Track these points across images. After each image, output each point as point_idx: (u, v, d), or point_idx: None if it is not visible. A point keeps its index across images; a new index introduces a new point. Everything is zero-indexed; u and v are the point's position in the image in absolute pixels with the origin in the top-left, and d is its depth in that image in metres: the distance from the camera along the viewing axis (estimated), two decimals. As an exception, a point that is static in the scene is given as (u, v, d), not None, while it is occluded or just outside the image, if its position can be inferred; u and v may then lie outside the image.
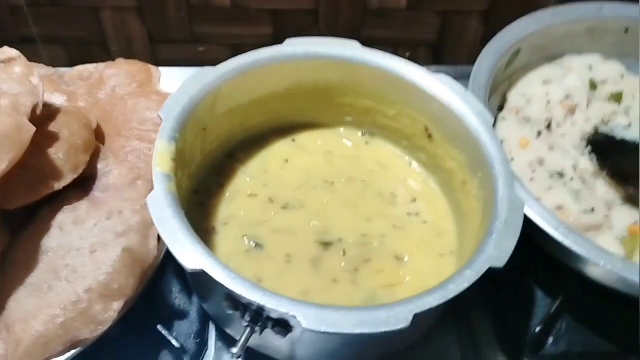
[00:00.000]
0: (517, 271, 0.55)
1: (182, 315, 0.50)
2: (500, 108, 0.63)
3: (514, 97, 0.62)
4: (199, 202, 0.54)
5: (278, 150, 0.59)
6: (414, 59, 0.85)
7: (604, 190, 0.56)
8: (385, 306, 0.39)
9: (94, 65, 0.59)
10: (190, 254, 0.39)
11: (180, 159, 0.48)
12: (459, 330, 0.53)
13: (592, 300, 0.51)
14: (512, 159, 0.58)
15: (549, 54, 0.65)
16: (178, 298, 0.52)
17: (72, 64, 0.84)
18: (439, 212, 0.56)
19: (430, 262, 0.53)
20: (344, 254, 0.52)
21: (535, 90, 0.62)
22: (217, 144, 0.56)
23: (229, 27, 0.81)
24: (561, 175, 0.56)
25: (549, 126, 0.60)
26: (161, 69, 0.68)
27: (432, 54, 0.86)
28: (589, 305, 0.53)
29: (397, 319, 0.38)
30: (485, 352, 0.52)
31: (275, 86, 0.56)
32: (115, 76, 0.55)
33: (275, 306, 0.37)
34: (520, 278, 0.56)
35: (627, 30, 0.64)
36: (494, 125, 0.60)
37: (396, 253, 0.53)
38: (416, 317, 0.38)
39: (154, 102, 0.53)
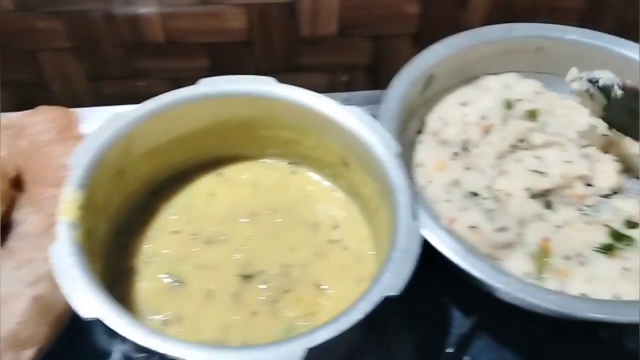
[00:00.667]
0: (436, 292, 0.57)
1: (104, 356, 0.51)
2: (420, 131, 0.64)
3: (432, 121, 0.64)
4: (121, 243, 0.55)
5: (203, 185, 0.61)
6: (351, 82, 0.88)
7: (517, 208, 0.57)
8: (278, 343, 0.40)
9: (19, 113, 0.60)
10: (87, 303, 0.40)
11: (91, 205, 0.49)
12: (380, 356, 0.54)
13: (507, 318, 0.52)
14: (430, 182, 0.60)
15: (467, 76, 0.67)
16: (100, 340, 0.53)
17: (17, 106, 0.86)
18: (360, 237, 0.58)
19: (350, 288, 0.54)
20: (265, 285, 0.53)
21: (452, 113, 0.64)
22: (139, 184, 0.57)
23: (166, 61, 0.82)
24: (475, 194, 0.57)
25: (465, 147, 0.61)
26: (103, 108, 0.69)
27: (370, 77, 0.88)
28: (504, 324, 0.54)
29: (289, 356, 0.39)
30: (405, 375, 0.53)
31: (194, 124, 0.58)
32: (35, 124, 0.57)
33: (166, 351, 0.38)
34: (439, 299, 0.57)
35: (539, 49, 0.66)
36: (412, 148, 0.63)
37: (316, 281, 0.54)
38: (311, 351, 0.40)
39: (71, 147, 0.54)
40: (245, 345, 0.41)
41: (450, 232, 0.50)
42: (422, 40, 0.82)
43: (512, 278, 0.46)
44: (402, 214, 0.48)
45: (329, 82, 0.88)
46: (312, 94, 0.57)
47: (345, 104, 0.55)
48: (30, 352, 0.44)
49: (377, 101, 0.69)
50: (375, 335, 0.55)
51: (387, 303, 0.43)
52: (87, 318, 0.40)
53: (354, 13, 0.78)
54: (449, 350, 0.53)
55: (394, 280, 0.43)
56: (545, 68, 0.68)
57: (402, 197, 0.49)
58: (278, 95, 0.57)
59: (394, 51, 0.84)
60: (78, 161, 0.48)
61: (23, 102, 0.85)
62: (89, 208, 0.48)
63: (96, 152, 0.50)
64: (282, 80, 0.57)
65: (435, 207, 0.57)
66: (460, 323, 0.55)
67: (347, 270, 0.55)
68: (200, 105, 0.56)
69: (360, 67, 0.86)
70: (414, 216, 0.48)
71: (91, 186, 0.49)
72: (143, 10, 0.75)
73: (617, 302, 0.50)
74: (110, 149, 0.51)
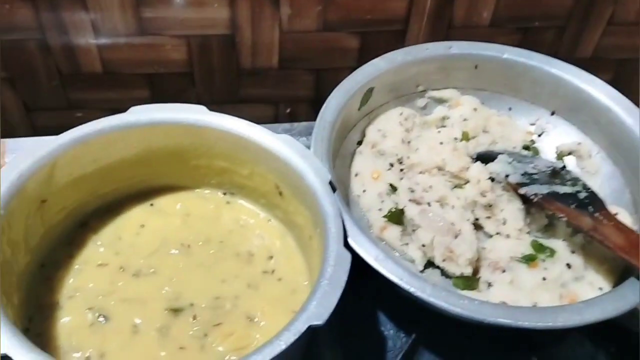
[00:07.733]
0: (369, 312, 0.56)
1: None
2: (360, 143, 0.66)
3: (372, 133, 0.66)
4: (45, 276, 0.53)
5: (134, 216, 0.59)
6: (295, 114, 0.88)
7: None
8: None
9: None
10: (-7, 338, 0.38)
11: (10, 236, 0.47)
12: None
13: (446, 333, 0.52)
14: (364, 191, 0.61)
15: (408, 91, 0.68)
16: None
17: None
18: (295, 268, 0.57)
19: (284, 320, 0.51)
20: (194, 319, 0.52)
21: (392, 126, 0.65)
22: (64, 214, 0.55)
23: (104, 92, 0.81)
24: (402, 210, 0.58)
25: (400, 159, 0.63)
26: (36, 138, 0.67)
27: (313, 109, 0.88)
28: (443, 340, 0.53)
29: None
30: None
31: (123, 153, 0.56)
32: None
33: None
34: (374, 319, 0.56)
35: (476, 67, 0.68)
36: (351, 159, 0.65)
37: (248, 314, 0.53)
38: (232, 384, 0.38)
39: (-8, 177, 0.52)
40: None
41: (382, 240, 0.51)
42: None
43: (426, 283, 0.47)
44: (332, 241, 0.47)
45: (273, 114, 0.88)
46: (244, 122, 0.56)
47: (288, 134, 0.55)
48: None
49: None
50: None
51: (312, 332, 0.42)
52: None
53: (294, 46, 0.79)
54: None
55: (320, 309, 0.42)
56: (482, 85, 0.69)
57: (333, 225, 0.48)
58: (209, 123, 0.56)
59: (335, 84, 0.84)
60: (-6, 190, 0.46)
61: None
62: (5, 239, 0.46)
63: (15, 180, 0.48)
64: (225, 111, 0.56)
65: (368, 216, 0.60)
66: (398, 342, 0.54)
67: (281, 302, 0.54)
68: (129, 133, 0.55)
69: (303, 99, 0.87)
70: (345, 244, 0.47)
71: (8, 216, 0.47)
72: (79, 40, 0.74)
73: (523, 309, 0.50)
74: (31, 177, 0.49)
